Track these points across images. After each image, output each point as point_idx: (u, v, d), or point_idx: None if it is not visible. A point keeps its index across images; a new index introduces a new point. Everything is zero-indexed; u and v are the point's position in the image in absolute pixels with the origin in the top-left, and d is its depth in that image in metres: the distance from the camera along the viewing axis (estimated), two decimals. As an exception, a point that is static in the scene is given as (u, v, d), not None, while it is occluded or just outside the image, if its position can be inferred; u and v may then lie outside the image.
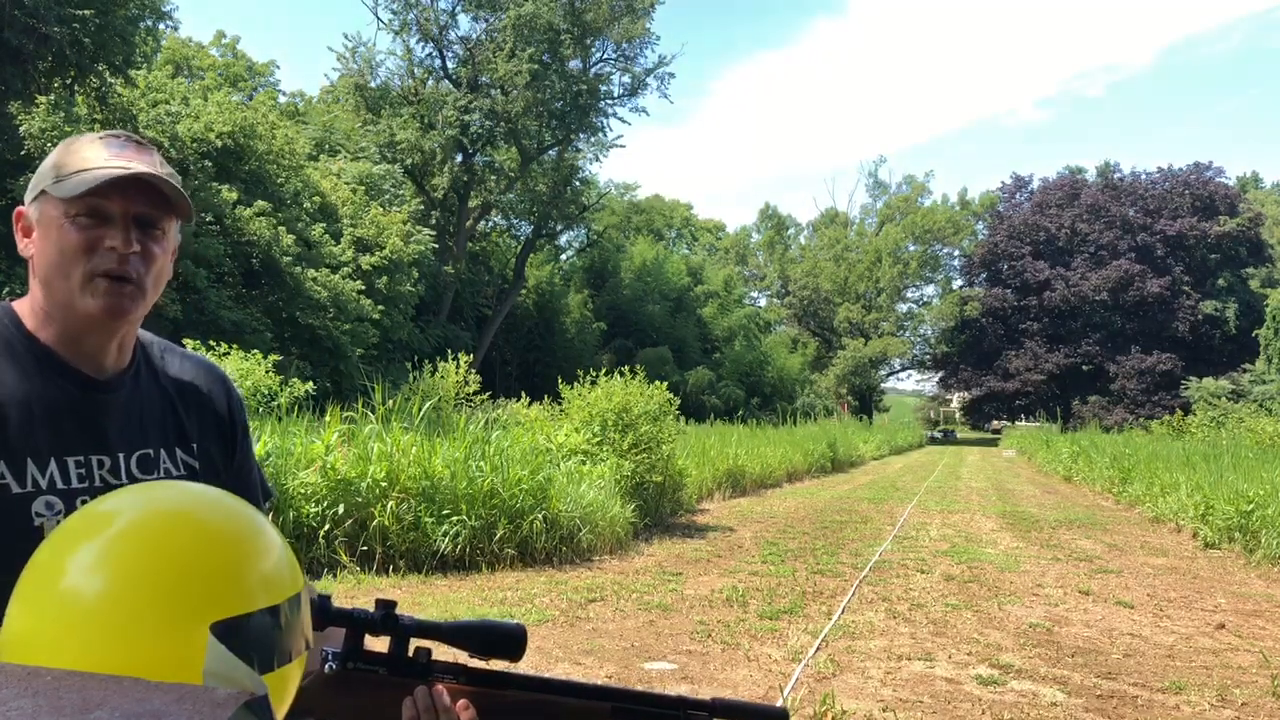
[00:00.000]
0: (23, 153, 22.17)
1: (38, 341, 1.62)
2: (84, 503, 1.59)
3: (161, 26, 27.30)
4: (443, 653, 1.44)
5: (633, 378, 14.77)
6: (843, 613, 7.89)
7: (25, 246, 1.63)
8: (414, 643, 1.43)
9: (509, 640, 1.44)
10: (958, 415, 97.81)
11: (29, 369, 1.60)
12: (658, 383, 15.18)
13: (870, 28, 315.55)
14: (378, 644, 1.45)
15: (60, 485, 1.58)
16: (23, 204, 1.64)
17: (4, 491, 1.54)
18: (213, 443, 1.83)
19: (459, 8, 44.08)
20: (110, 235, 1.56)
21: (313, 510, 9.06)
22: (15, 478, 1.54)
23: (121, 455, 1.67)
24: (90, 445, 1.64)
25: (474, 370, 19.36)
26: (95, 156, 1.56)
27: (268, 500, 2.00)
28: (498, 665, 1.47)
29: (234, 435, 1.88)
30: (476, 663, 1.48)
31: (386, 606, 1.42)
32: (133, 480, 1.67)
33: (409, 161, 42.47)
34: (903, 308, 79.48)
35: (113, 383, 1.68)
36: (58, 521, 1.52)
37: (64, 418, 1.61)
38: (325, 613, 1.36)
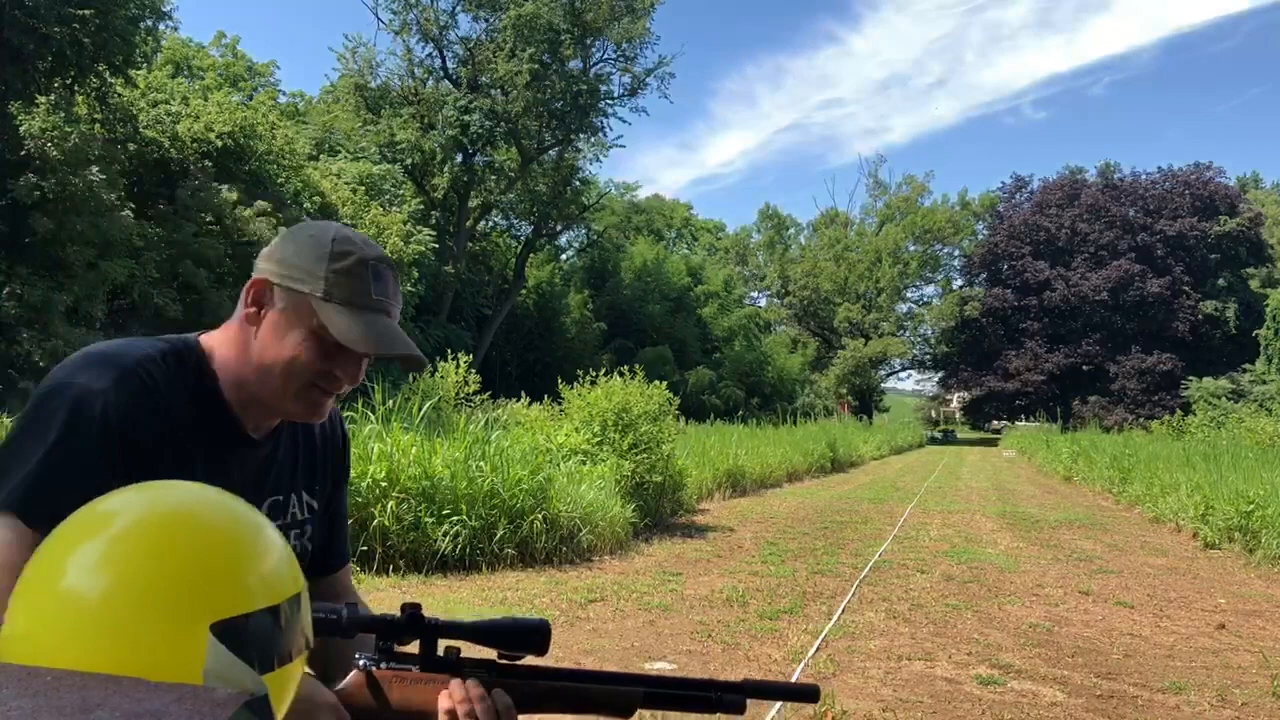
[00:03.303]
0: (23, 153, 22.17)
1: (219, 396, 1.65)
2: None
3: (161, 26, 27.28)
4: (461, 647, 1.47)
5: (632, 378, 14.78)
6: (843, 613, 7.89)
7: (251, 314, 1.64)
8: (442, 641, 1.46)
9: (534, 635, 1.46)
10: (958, 415, 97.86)
11: (203, 421, 1.64)
12: (657, 382, 15.18)
13: (870, 27, 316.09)
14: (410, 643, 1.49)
15: None
16: (258, 269, 1.65)
17: None
18: (329, 482, 1.93)
19: (459, 8, 44.11)
20: (344, 368, 1.62)
21: (313, 510, 9.04)
22: None
23: (259, 504, 1.71)
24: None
25: (474, 370, 19.34)
26: (362, 290, 1.60)
27: (344, 564, 2.07)
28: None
29: (341, 477, 1.98)
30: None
31: (412, 609, 1.45)
32: None
33: (409, 161, 42.49)
34: (903, 308, 79.51)
35: (265, 440, 1.74)
36: None
37: (221, 471, 1.64)
38: (355, 623, 1.40)
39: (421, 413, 11.47)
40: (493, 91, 42.36)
